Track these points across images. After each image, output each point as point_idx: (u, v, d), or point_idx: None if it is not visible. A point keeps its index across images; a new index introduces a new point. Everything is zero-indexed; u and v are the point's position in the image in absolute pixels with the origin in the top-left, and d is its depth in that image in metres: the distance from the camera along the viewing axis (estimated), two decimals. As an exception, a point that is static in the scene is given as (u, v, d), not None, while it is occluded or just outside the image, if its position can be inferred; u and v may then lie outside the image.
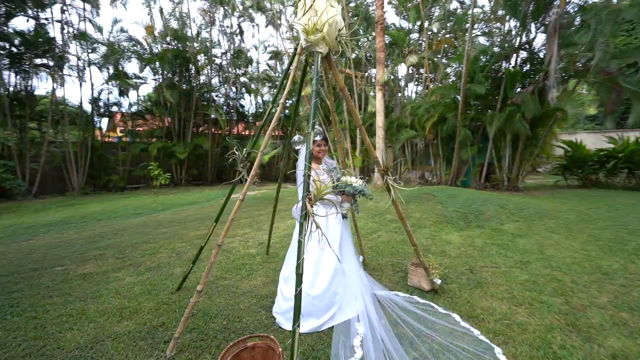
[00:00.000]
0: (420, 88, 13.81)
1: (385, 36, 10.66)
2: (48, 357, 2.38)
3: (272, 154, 14.37)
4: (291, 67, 2.76)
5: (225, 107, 15.55)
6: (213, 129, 14.92)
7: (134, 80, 12.46)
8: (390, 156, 12.58)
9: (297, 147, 2.99)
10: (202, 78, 14.61)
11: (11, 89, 10.32)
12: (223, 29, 14.80)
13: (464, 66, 9.81)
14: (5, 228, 6.67)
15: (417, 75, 13.49)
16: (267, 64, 16.86)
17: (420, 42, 12.74)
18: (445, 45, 11.94)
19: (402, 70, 13.62)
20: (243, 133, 17.18)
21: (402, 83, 13.73)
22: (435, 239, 5.14)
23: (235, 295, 3.32)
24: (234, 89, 15.79)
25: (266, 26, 13.86)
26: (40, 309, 3.10)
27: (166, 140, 13.32)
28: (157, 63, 12.41)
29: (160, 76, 13.01)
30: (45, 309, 3.09)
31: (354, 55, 12.04)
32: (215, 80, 15.39)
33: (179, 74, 13.54)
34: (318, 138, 2.91)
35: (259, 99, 16.80)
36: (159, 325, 2.80)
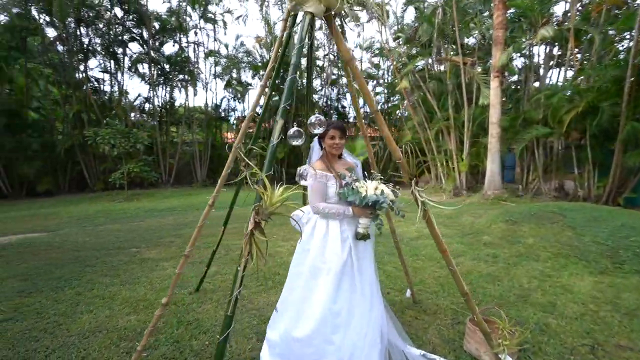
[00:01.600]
0: (561, 72, 10.48)
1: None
2: (53, 336, 2.55)
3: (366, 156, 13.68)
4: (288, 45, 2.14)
5: (325, 108, 15.79)
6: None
7: (247, 87, 14.12)
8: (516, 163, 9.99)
9: (294, 143, 2.34)
10: (304, 81, 15.21)
11: (161, 100, 13.26)
12: (327, 30, 15.04)
13: (638, 31, 6.76)
14: (133, 210, 8.41)
15: (558, 53, 10.26)
16: (370, 62, 16.27)
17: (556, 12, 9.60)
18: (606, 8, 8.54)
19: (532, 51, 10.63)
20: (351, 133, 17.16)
21: (534, 66, 10.72)
22: (546, 282, 3.52)
23: (242, 311, 2.94)
24: (334, 90, 15.90)
25: (367, 21, 13.31)
26: (89, 286, 3.50)
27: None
28: (262, 71, 13.67)
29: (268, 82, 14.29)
30: (91, 287, 3.46)
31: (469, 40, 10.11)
32: (316, 82, 15.85)
33: (281, 79, 14.51)
34: (318, 129, 2.13)
35: (360, 100, 16.37)
36: (157, 327, 2.69)
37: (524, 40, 9.58)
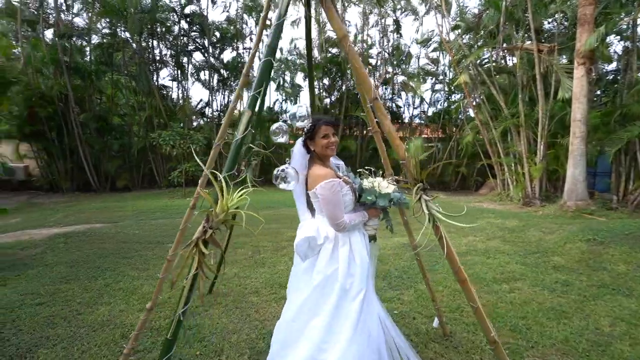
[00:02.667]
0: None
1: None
2: (69, 325, 2.66)
3: (422, 157, 12.68)
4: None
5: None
6: (364, 131, 14.87)
7: (297, 88, 14.28)
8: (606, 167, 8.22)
9: (277, 140, 2.03)
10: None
11: (219, 104, 14.16)
12: (381, 27, 14.44)
13: None
14: (185, 206, 8.96)
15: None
16: (428, 57, 15.12)
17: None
18: None
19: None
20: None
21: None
22: (639, 327, 2.65)
23: (246, 320, 2.76)
24: (388, 89, 15.15)
25: (425, 14, 12.36)
26: (118, 278, 3.68)
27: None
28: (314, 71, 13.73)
29: (317, 82, 14.31)
30: (120, 279, 3.62)
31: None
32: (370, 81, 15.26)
33: (331, 79, 14.33)
34: (281, 138, 1.83)
35: (417, 98, 15.33)
36: (157, 329, 2.66)
37: (622, 16, 7.79)
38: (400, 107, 16.20)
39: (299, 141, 1.86)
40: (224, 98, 14.46)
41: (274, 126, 2.13)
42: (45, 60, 11.31)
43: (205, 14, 12.72)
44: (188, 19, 12.74)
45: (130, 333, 2.58)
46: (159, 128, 12.00)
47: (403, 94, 15.72)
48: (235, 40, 13.69)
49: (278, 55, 14.88)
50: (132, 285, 3.46)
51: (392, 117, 16.08)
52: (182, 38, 12.90)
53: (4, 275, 3.69)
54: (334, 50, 14.13)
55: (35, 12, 11.51)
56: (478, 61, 10.57)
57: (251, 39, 13.67)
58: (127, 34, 11.83)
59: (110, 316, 2.83)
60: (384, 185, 1.76)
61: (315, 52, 13.94)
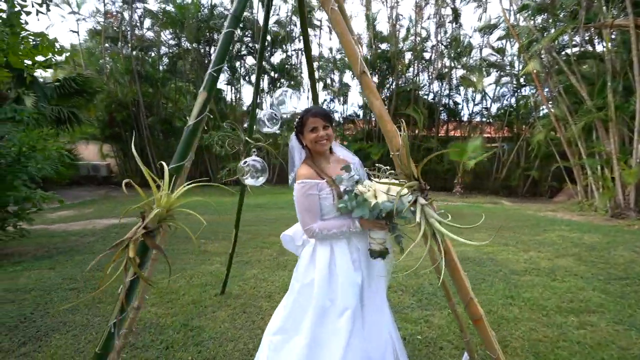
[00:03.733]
0: None
1: None
2: (86, 314, 2.73)
3: (480, 158, 11.39)
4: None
5: (436, 105, 14.06)
6: (416, 130, 13.92)
7: (343, 88, 13.97)
8: None
9: (265, 130, 1.80)
10: (409, 76, 13.97)
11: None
12: (437, 18, 13.37)
13: None
14: (229, 203, 9.32)
15: None
16: (492, 47, 13.52)
17: None
18: None
19: None
20: (453, 133, 14.86)
21: None
22: None
23: (249, 327, 2.58)
24: (444, 84, 13.97)
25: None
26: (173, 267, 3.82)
27: (366, 141, 13.92)
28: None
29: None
30: (153, 273, 3.77)
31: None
32: (424, 77, 14.28)
33: (380, 76, 13.70)
34: (269, 127, 1.67)
35: (478, 93, 13.85)
36: (161, 325, 2.61)
37: None
38: (458, 104, 14.83)
39: (293, 135, 1.65)
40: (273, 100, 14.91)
41: (262, 113, 1.90)
42: (122, 71, 12.83)
43: (257, 18, 13.20)
44: (241, 25, 13.38)
45: (137, 328, 2.58)
46: (215, 130, 12.78)
47: (462, 89, 14.35)
48: (285, 43, 13.95)
49: (326, 54, 14.77)
50: (153, 279, 3.53)
51: (449, 114, 14.82)
52: (235, 43, 13.58)
53: (57, 259, 4.10)
54: (384, 46, 13.51)
55: (117, 30, 13.15)
56: (553, 46, 9.04)
57: (299, 40, 13.81)
58: (188, 44, 12.83)
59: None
60: (380, 187, 1.39)
61: (365, 49, 13.49)
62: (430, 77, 14.09)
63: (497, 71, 13.91)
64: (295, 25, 13.59)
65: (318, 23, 14.86)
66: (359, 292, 1.50)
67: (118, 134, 13.13)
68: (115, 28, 13.24)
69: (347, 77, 14.77)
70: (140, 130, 13.07)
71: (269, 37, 14.01)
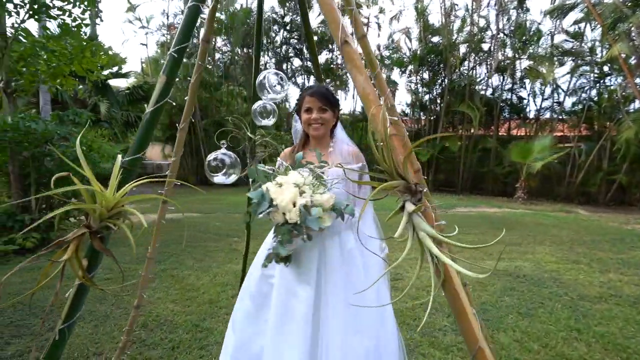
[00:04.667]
0: None
1: None
2: (110, 305, 2.79)
3: (549, 160, 9.94)
4: None
5: (496, 101, 12.69)
6: (471, 129, 12.71)
7: (392, 86, 13.35)
8: None
9: (261, 122, 1.66)
10: (463, 70, 12.81)
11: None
12: (499, 5, 12.04)
13: None
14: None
15: None
16: (566, 32, 11.74)
17: None
18: None
19: None
20: (514, 133, 13.24)
21: None
22: None
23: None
24: (506, 78, 12.52)
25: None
26: (175, 265, 3.87)
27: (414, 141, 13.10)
28: (411, 65, 12.42)
29: (414, 77, 12.96)
30: (175, 267, 3.82)
31: None
32: (481, 70, 12.98)
33: (431, 71, 12.76)
34: (265, 120, 1.73)
35: (548, 86, 12.14)
36: (173, 323, 2.59)
37: None
38: (523, 99, 13.20)
39: (296, 117, 1.56)
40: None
41: (256, 105, 1.73)
42: (181, 78, 13.94)
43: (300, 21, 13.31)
44: (287, 28, 13.60)
45: (152, 323, 2.61)
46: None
47: (527, 82, 12.74)
48: (331, 43, 13.82)
49: (373, 50, 14.32)
50: (181, 275, 3.61)
51: (512, 111, 13.26)
52: (283, 46, 13.88)
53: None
54: (435, 39, 12.59)
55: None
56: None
57: (346, 39, 13.59)
58: (238, 49, 13.45)
59: (146, 301, 2.94)
60: (291, 179, 1.12)
61: (414, 43, 12.74)
62: (489, 70, 12.77)
63: (572, 59, 12.05)
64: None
65: (365, 20, 14.47)
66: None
67: (176, 136, 14.27)
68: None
69: (395, 74, 14.13)
70: (196, 131, 14.03)
71: (315, 38, 14.06)
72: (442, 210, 8.51)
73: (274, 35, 13.76)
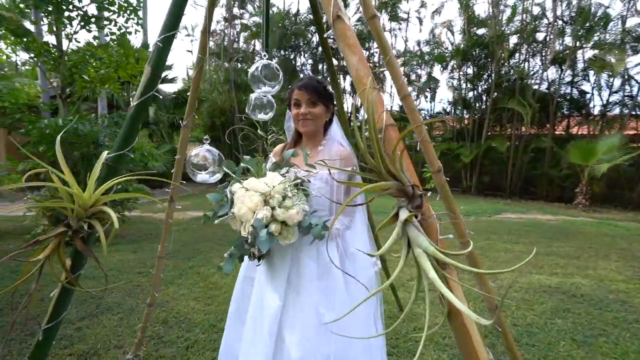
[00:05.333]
0: None
1: None
2: (136, 298, 2.91)
3: (619, 161, 8.70)
4: None
5: (552, 96, 11.47)
6: (521, 128, 11.57)
7: (429, 82, 12.63)
8: None
9: (258, 117, 1.57)
10: (513, 63, 11.72)
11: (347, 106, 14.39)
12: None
13: None
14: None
15: None
16: (641, 15, 10.18)
17: None
18: None
19: None
20: (576, 131, 11.81)
21: None
22: None
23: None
24: (563, 70, 11.21)
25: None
26: (203, 262, 3.96)
27: (456, 141, 12.25)
28: (453, 60, 11.63)
29: (457, 73, 12.13)
30: (202, 265, 3.90)
31: None
32: (534, 63, 11.78)
33: (477, 67, 11.84)
34: (261, 114, 1.66)
35: (615, 78, 10.66)
36: (191, 322, 2.57)
37: None
38: (585, 93, 11.74)
39: (288, 111, 1.44)
40: (353, 99, 14.67)
41: (252, 96, 1.63)
42: (222, 82, 14.57)
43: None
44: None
45: (171, 320, 2.64)
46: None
47: (591, 74, 11.30)
48: (368, 41, 13.51)
49: (412, 47, 13.70)
50: (206, 272, 3.66)
51: (572, 106, 11.87)
52: (319, 47, 13.88)
53: (140, 245, 4.70)
54: (481, 31, 11.68)
55: (219, 45, 15.02)
56: None
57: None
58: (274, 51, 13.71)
59: (169, 297, 3.01)
60: (258, 186, 0.98)
61: (457, 37, 11.95)
62: (544, 62, 11.55)
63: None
64: (381, 19, 13.05)
65: (405, 15, 13.95)
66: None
67: (217, 137, 14.92)
68: (218, 44, 15.13)
69: (436, 70, 13.40)
70: (235, 132, 14.57)
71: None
72: (486, 216, 7.82)
73: (310, 36, 13.80)
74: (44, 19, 4.44)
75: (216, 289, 3.23)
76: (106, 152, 1.04)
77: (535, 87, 11.55)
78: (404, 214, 0.65)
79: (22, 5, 4.43)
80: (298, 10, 13.76)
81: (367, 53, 13.85)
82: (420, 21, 14.49)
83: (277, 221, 0.92)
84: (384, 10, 12.79)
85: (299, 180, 1.00)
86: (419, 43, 13.99)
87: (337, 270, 1.10)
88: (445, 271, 0.64)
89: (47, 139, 4.18)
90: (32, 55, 4.15)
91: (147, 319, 2.03)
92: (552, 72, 11.61)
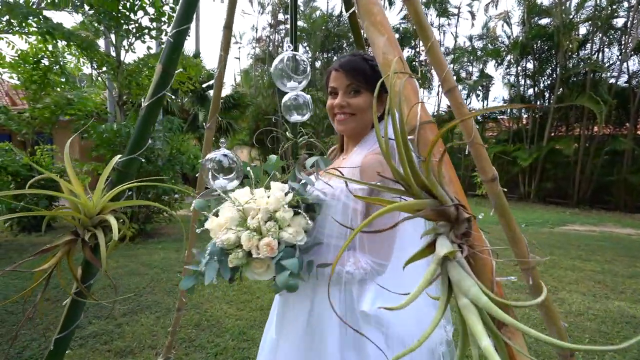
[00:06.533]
0: None
1: None
2: (169, 295, 3.06)
3: None
4: None
5: (633, 90, 9.92)
6: (592, 128, 10.13)
7: (482, 80, 11.62)
8: None
9: (292, 118, 1.43)
10: (584, 54, 10.32)
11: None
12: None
13: None
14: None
15: None
16: None
17: None
18: None
19: None
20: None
21: None
22: None
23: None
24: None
25: None
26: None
27: (512, 143, 11.10)
28: (510, 55, 10.56)
29: (514, 68, 11.00)
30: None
31: None
32: (610, 53, 10.27)
33: (539, 61, 10.62)
34: (297, 115, 1.40)
35: None
36: (222, 327, 2.54)
37: None
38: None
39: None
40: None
41: (287, 98, 1.51)
42: (266, 86, 15.01)
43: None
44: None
45: (204, 323, 2.65)
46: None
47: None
48: (414, 39, 12.95)
49: (462, 42, 12.84)
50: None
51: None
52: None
53: (183, 245, 4.89)
54: (544, 21, 10.50)
55: (264, 51, 15.52)
56: None
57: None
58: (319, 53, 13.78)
59: (204, 299, 3.04)
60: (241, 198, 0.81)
61: (515, 30, 10.87)
62: (622, 53, 10.01)
63: None
64: (430, 15, 12.42)
65: (455, 10, 13.12)
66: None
67: (261, 140, 15.39)
68: (264, 50, 15.63)
69: (490, 67, 12.38)
70: (279, 136, 14.91)
71: (397, 35, 13.41)
72: (548, 227, 6.94)
73: (349, 36, 13.66)
74: (106, 32, 4.86)
75: (249, 294, 3.20)
76: (118, 156, 0.99)
77: (612, 80, 10.07)
78: (443, 246, 0.46)
79: (96, 25, 4.93)
80: (341, 12, 13.67)
81: (413, 51, 13.29)
82: (473, 15, 13.55)
83: (242, 249, 0.74)
84: (432, 6, 12.13)
85: (310, 198, 0.81)
86: (470, 38, 13.06)
87: (328, 325, 0.85)
88: (504, 333, 0.44)
89: (106, 143, 4.54)
90: (95, 65, 4.59)
91: (177, 323, 2.02)
92: (633, 63, 10.05)
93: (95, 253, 0.97)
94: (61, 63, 5.08)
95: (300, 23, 14.42)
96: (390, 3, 12.58)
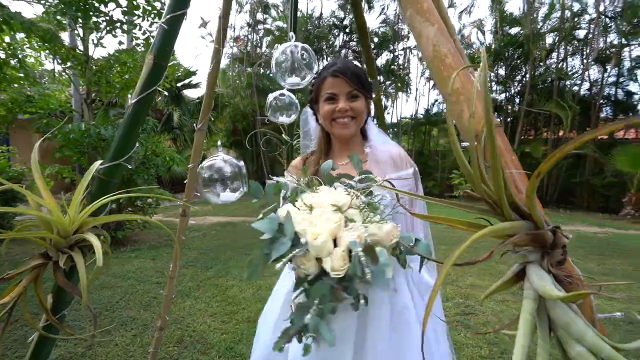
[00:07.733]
0: None
1: None
2: (157, 308, 2.81)
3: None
4: None
5: (595, 97, 10.62)
6: (559, 132, 10.76)
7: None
8: None
9: (278, 120, 1.32)
10: (550, 63, 10.96)
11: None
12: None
13: None
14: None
15: None
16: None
17: None
18: None
19: None
20: (623, 135, 10.84)
21: None
22: None
23: None
24: (607, 69, 10.34)
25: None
26: (222, 273, 3.76)
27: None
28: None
29: (489, 74, 11.53)
30: (221, 276, 3.71)
31: None
32: (574, 62, 10.98)
33: (510, 67, 11.16)
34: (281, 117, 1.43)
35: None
36: (207, 343, 2.36)
37: None
38: (633, 94, 10.81)
39: (307, 109, 1.16)
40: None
41: (271, 97, 1.40)
42: (245, 87, 14.68)
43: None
44: (346, 30, 13.38)
45: (186, 339, 2.45)
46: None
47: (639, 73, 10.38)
48: (392, 42, 13.16)
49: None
50: (225, 285, 3.47)
51: (617, 109, 10.94)
52: (342, 50, 13.68)
53: (160, 252, 4.60)
54: (514, 31, 11.05)
55: (242, 51, 15.17)
56: None
57: (408, 38, 12.81)
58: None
59: (185, 313, 2.84)
60: (323, 203, 0.69)
61: (488, 37, 11.35)
62: (584, 63, 10.73)
63: None
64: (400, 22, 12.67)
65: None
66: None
67: (239, 142, 15.00)
68: (242, 50, 15.28)
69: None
70: (257, 137, 14.61)
71: (375, 39, 13.54)
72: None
73: (333, 39, 13.66)
74: (72, 24, 4.49)
75: (235, 304, 3.03)
76: (99, 162, 0.83)
77: (575, 88, 10.75)
78: (542, 279, 0.37)
79: (59, 17, 4.53)
80: (321, 14, 13.65)
81: (392, 55, 13.50)
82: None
83: (377, 245, 0.63)
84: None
85: (377, 194, 0.72)
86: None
87: (411, 319, 0.83)
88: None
89: (72, 144, 4.18)
90: (59, 60, 4.21)
91: (158, 344, 1.84)
92: (594, 72, 10.78)
93: (69, 277, 0.81)
94: (20, 56, 4.64)
95: (279, 23, 14.24)
96: (370, 7, 12.71)
